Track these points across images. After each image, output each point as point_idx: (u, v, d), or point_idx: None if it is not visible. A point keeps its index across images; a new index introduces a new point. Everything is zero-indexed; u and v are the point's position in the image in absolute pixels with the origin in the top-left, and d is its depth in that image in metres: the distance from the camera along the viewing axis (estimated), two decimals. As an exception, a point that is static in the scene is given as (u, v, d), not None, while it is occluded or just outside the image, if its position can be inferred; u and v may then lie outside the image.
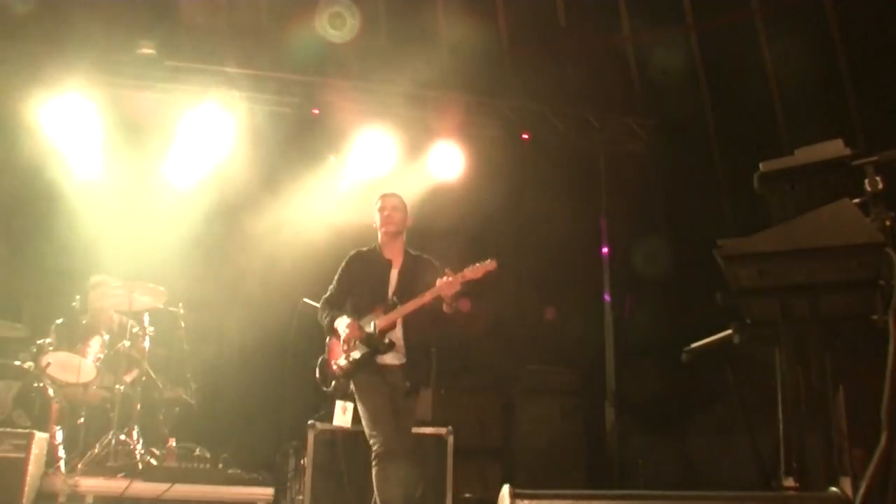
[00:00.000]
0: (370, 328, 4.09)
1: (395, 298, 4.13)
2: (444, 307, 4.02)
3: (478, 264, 3.98)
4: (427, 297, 4.02)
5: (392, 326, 4.10)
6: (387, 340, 4.08)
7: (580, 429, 6.37)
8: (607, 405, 6.70)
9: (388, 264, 4.27)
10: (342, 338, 4.10)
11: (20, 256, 6.19)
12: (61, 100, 6.32)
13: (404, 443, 4.02)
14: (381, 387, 4.06)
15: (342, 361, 4.11)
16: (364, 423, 3.99)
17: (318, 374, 4.26)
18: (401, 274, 4.24)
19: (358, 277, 4.29)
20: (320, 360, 4.26)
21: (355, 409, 4.09)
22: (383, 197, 4.40)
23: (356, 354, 4.08)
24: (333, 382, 4.19)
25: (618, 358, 6.85)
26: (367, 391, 4.05)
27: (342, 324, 4.12)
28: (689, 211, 7.26)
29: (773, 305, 2.31)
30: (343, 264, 4.36)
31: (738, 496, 2.20)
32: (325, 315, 4.28)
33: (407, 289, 4.14)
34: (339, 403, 4.39)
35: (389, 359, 4.11)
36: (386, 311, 4.10)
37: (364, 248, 4.39)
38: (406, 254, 4.33)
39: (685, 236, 6.91)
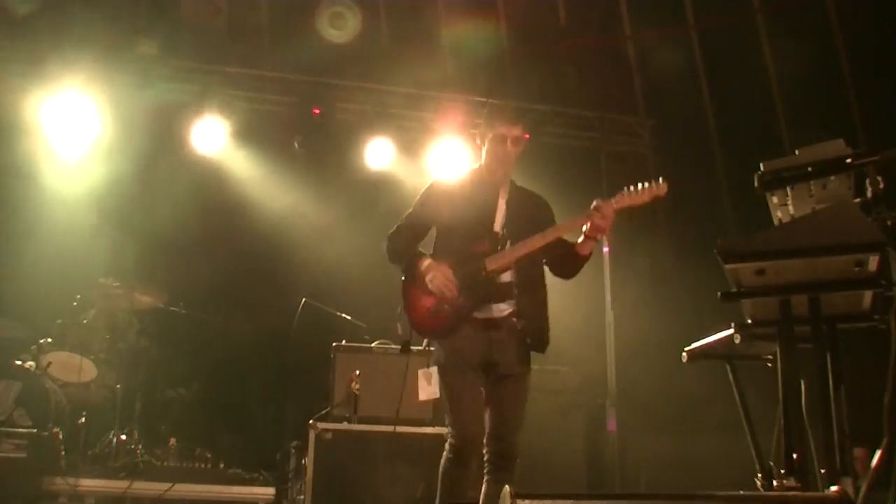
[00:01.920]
0: (477, 269, 3.25)
1: (504, 231, 3.30)
2: (580, 246, 3.27)
3: (643, 185, 3.23)
4: (564, 229, 3.26)
5: (506, 268, 3.27)
6: (503, 280, 3.27)
7: (580, 429, 6.36)
8: (607, 405, 6.70)
9: (494, 193, 3.39)
10: (433, 288, 3.24)
11: (21, 256, 6.19)
12: (62, 98, 6.32)
13: (509, 436, 3.22)
14: (474, 357, 3.24)
15: (434, 314, 3.29)
16: (445, 400, 3.29)
17: (399, 330, 3.43)
18: (509, 205, 3.38)
19: (452, 202, 3.37)
20: (399, 310, 3.42)
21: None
22: (505, 122, 3.34)
23: (456, 304, 3.24)
24: (425, 342, 3.39)
25: (618, 358, 6.85)
26: (455, 360, 3.25)
27: (430, 267, 3.27)
28: (689, 211, 7.26)
29: (773, 305, 2.31)
30: (426, 189, 3.50)
31: (739, 496, 2.20)
32: (400, 248, 3.41)
33: (517, 223, 3.33)
34: (421, 372, 3.69)
35: (495, 310, 3.28)
36: (495, 248, 3.28)
37: (454, 174, 3.61)
38: (512, 184, 3.47)
39: (685, 236, 6.91)
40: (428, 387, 3.46)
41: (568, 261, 3.38)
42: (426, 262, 3.31)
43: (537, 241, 3.24)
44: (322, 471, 4.74)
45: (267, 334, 6.27)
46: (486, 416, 3.28)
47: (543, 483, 5.53)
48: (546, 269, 3.48)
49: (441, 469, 3.24)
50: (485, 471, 3.24)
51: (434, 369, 3.34)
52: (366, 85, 7.08)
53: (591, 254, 3.33)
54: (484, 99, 3.75)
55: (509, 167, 3.42)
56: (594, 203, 3.21)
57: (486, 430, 3.26)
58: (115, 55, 6.56)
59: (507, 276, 3.30)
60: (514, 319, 3.30)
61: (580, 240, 3.28)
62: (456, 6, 7.56)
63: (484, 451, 3.26)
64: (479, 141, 3.47)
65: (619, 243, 7.04)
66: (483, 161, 3.46)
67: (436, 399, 3.57)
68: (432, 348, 3.39)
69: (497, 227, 3.34)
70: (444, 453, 3.25)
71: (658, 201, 3.30)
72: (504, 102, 3.48)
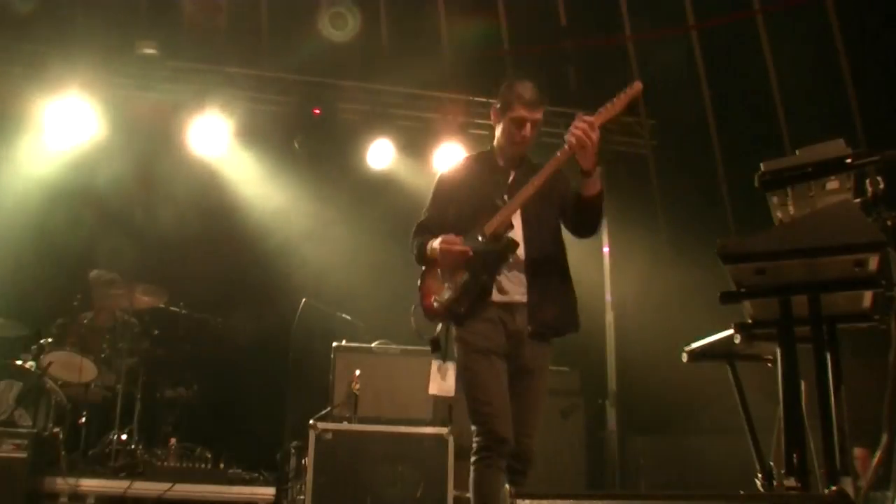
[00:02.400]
0: (477, 237, 3.07)
1: (505, 198, 3.11)
2: (582, 188, 3.02)
3: (619, 95, 2.96)
4: (550, 168, 2.99)
5: (505, 227, 3.06)
6: (504, 241, 3.04)
7: (580, 429, 6.37)
8: (607, 405, 6.70)
9: (506, 172, 3.26)
10: (441, 259, 3.08)
11: (22, 256, 6.19)
12: (62, 100, 6.33)
13: (525, 437, 2.98)
14: (497, 340, 3.03)
15: (445, 294, 3.09)
16: (466, 396, 3.05)
17: (413, 324, 3.26)
18: (517, 179, 3.21)
19: (461, 190, 3.26)
20: (413, 307, 3.25)
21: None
22: (526, 105, 3.15)
23: (465, 278, 3.04)
24: (439, 326, 3.16)
25: (618, 358, 6.85)
26: (473, 348, 3.02)
27: (436, 243, 3.12)
28: (689, 211, 7.26)
29: (773, 305, 2.31)
30: (437, 180, 3.40)
31: (739, 496, 2.20)
32: (415, 242, 3.27)
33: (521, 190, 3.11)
34: (435, 364, 3.42)
35: (510, 292, 3.07)
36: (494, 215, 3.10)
37: (468, 155, 3.50)
38: (527, 161, 3.31)
39: (685, 236, 6.91)
40: (441, 381, 3.24)
41: (580, 213, 3.13)
42: (431, 243, 3.17)
43: (528, 190, 3.02)
44: (322, 471, 4.74)
45: (267, 334, 6.27)
46: None
47: (543, 483, 5.53)
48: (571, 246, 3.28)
49: (472, 479, 2.97)
50: None
51: (451, 365, 3.15)
52: (366, 85, 7.08)
53: (599, 193, 3.03)
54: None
55: (523, 150, 3.27)
56: (576, 119, 2.92)
57: None
58: (116, 55, 6.56)
59: (516, 234, 3.09)
60: (529, 306, 3.07)
61: (580, 182, 3.03)
62: (456, 6, 7.56)
63: None
64: (494, 119, 3.29)
65: (619, 243, 7.05)
66: (496, 141, 3.31)
67: (449, 397, 3.36)
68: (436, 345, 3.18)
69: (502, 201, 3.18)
70: (472, 460, 2.99)
71: (637, 100, 3.08)
72: (526, 84, 3.21)
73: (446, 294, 3.10)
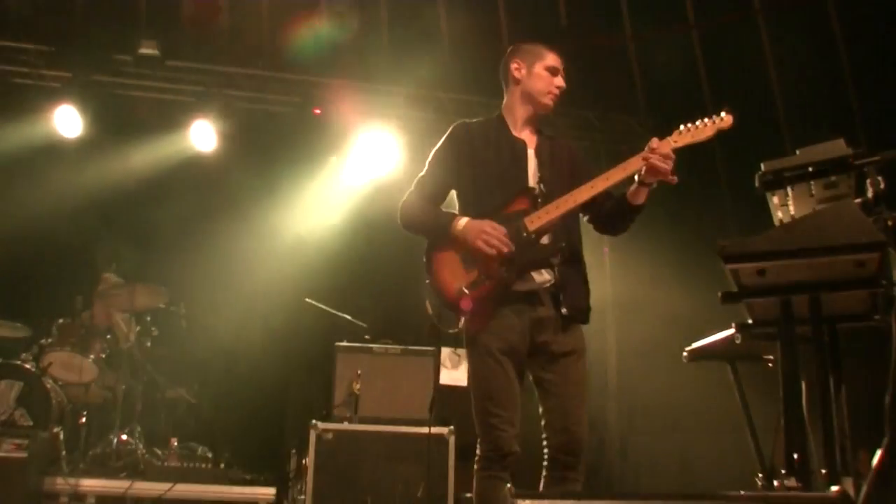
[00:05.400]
0: (517, 230, 2.77)
1: (541, 186, 2.84)
2: (633, 195, 2.83)
3: (703, 121, 2.89)
4: (616, 175, 2.78)
5: (550, 226, 2.78)
6: (545, 242, 2.80)
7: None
8: (608, 405, 6.71)
9: (523, 143, 2.95)
10: (478, 246, 2.73)
11: (21, 256, 6.19)
12: (62, 99, 6.33)
13: (574, 426, 2.73)
14: (513, 339, 2.76)
15: (476, 282, 2.77)
16: (473, 402, 2.79)
17: (429, 308, 2.87)
18: (539, 154, 2.93)
19: (475, 156, 2.93)
20: (427, 283, 2.87)
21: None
22: (555, 52, 2.98)
23: (502, 272, 2.74)
24: (462, 321, 2.80)
25: (618, 358, 6.86)
26: (486, 350, 2.75)
27: (473, 226, 2.76)
28: (689, 211, 7.25)
29: (774, 305, 2.32)
30: (445, 140, 3.04)
31: (739, 496, 2.20)
32: (421, 210, 2.93)
33: (553, 176, 2.87)
34: (448, 352, 3.30)
35: (535, 279, 2.80)
36: (534, 205, 2.80)
37: (473, 120, 3.09)
38: (539, 133, 3.03)
39: (685, 236, 6.91)
40: (453, 371, 3.09)
41: (618, 215, 2.93)
42: (463, 222, 2.80)
43: (585, 193, 2.77)
44: (323, 471, 4.74)
45: (268, 334, 6.27)
46: (542, 408, 2.81)
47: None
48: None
49: (475, 489, 2.81)
50: (544, 465, 2.80)
51: (463, 352, 2.92)
52: (366, 85, 7.08)
53: (645, 203, 2.88)
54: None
55: (552, 108, 3.01)
56: (651, 143, 2.79)
57: (544, 423, 2.79)
58: (116, 56, 6.56)
59: (545, 239, 2.81)
60: (557, 290, 2.81)
61: (633, 188, 2.84)
62: (456, 5, 7.56)
63: (544, 447, 2.80)
64: (519, 72, 2.99)
65: (620, 243, 7.04)
66: (514, 103, 3.01)
67: (461, 387, 3.12)
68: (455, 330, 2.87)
69: (531, 181, 2.88)
70: (475, 468, 2.82)
71: (721, 133, 2.91)
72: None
73: (477, 282, 2.77)
